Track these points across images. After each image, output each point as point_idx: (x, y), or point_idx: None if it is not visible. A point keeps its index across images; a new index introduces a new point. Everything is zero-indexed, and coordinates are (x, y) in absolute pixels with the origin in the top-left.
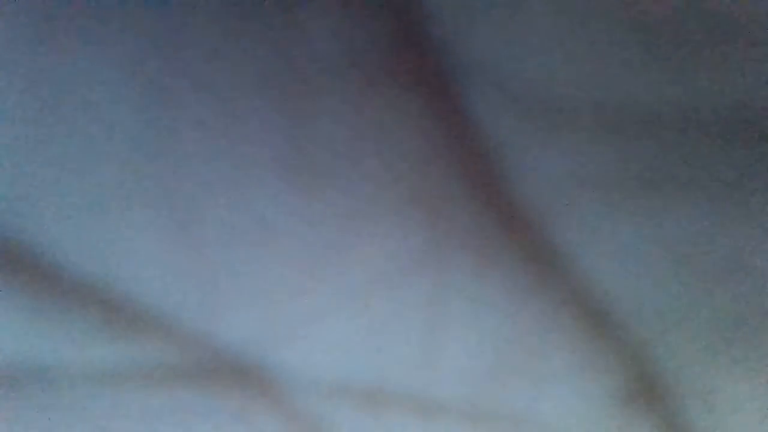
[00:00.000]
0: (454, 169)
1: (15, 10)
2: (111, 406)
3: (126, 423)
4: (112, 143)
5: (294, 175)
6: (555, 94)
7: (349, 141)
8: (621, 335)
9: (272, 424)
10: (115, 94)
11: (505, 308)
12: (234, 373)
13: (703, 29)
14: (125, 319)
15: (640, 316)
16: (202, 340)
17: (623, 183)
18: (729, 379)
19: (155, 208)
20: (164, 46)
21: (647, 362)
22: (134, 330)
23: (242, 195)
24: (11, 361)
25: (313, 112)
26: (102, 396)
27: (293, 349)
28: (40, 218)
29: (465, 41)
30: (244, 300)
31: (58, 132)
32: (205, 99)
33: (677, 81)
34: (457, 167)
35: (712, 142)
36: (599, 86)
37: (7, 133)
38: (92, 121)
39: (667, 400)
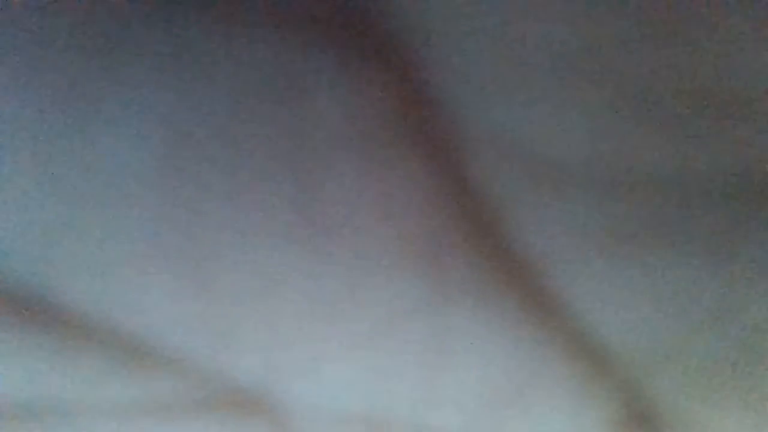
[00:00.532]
0: (454, 222)
1: (41, 55)
2: None
3: None
4: (132, 205)
5: (300, 233)
6: (554, 152)
7: (352, 200)
8: (615, 373)
9: None
10: (136, 151)
11: (502, 347)
12: (244, 407)
13: (697, 94)
14: (141, 358)
15: (633, 356)
16: (214, 378)
17: (619, 233)
18: (715, 412)
19: (173, 255)
20: (178, 126)
21: (639, 399)
22: (149, 369)
23: (253, 249)
24: (30, 396)
25: (320, 177)
26: (117, 429)
27: (301, 387)
28: (60, 264)
29: (466, 102)
30: (255, 343)
31: (81, 180)
32: (218, 166)
33: (671, 143)
34: (458, 220)
35: (702, 198)
36: (597, 145)
37: (29, 180)
38: (112, 186)
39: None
